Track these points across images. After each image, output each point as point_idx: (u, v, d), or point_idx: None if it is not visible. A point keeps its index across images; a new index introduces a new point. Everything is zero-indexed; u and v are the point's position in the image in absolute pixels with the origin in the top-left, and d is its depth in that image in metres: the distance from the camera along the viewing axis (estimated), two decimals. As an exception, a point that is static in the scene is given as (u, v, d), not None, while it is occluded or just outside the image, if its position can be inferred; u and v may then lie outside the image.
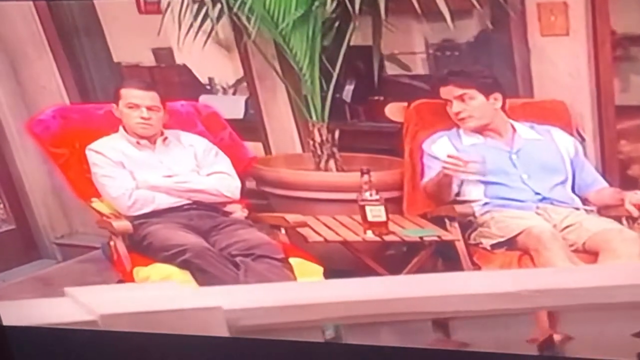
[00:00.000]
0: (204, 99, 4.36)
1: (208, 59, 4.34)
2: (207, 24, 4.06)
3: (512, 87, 3.98)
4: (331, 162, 4.13)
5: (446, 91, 3.83)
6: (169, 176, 3.84)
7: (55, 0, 4.40)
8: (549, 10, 3.86)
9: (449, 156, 3.74)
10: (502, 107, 3.83)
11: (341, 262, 3.86)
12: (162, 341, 3.28)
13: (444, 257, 3.80)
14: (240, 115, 4.43)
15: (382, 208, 3.75)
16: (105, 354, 3.31)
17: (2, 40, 4.46)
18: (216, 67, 4.43)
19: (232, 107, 4.41)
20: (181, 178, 3.85)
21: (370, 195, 3.77)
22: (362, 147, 4.24)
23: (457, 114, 3.80)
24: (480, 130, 3.82)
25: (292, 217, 3.84)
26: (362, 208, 3.78)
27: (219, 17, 4.03)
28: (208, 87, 4.47)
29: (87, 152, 3.83)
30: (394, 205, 3.91)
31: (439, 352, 3.08)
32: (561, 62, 3.93)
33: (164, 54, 4.39)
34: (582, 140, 3.93)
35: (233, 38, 4.22)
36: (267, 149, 4.46)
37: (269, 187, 4.17)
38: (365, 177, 3.78)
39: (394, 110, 4.03)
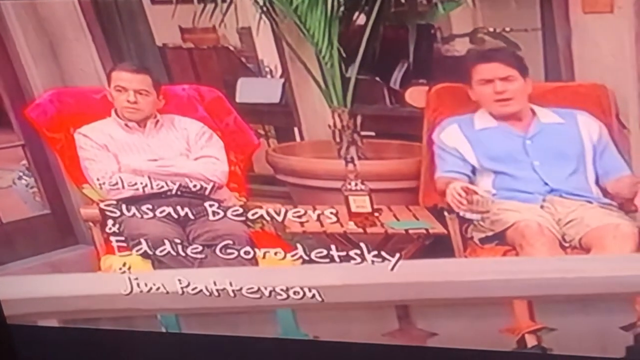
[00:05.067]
0: (241, 81, 4.17)
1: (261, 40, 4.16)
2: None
3: (554, 70, 3.66)
4: (352, 149, 3.93)
5: (489, 69, 3.50)
6: (154, 160, 3.73)
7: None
8: (591, -16, 3.54)
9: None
10: (525, 91, 3.53)
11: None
12: (166, 341, 3.25)
13: (441, 251, 3.56)
14: (277, 100, 4.25)
15: (367, 198, 3.57)
16: (109, 353, 3.31)
17: (41, 20, 4.40)
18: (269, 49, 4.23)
19: (269, 90, 4.24)
20: (165, 162, 3.73)
21: (356, 185, 3.59)
22: (401, 134, 3.96)
23: (501, 92, 3.47)
24: (506, 117, 3.52)
25: (268, 207, 3.68)
26: (346, 198, 3.61)
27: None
28: (255, 70, 4.30)
29: (76, 135, 3.77)
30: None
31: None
32: (604, 42, 3.61)
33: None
34: (623, 127, 3.60)
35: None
36: (301, 134, 4.26)
37: (282, 174, 4.02)
38: (350, 166, 3.61)
39: (414, 95, 3.79)
